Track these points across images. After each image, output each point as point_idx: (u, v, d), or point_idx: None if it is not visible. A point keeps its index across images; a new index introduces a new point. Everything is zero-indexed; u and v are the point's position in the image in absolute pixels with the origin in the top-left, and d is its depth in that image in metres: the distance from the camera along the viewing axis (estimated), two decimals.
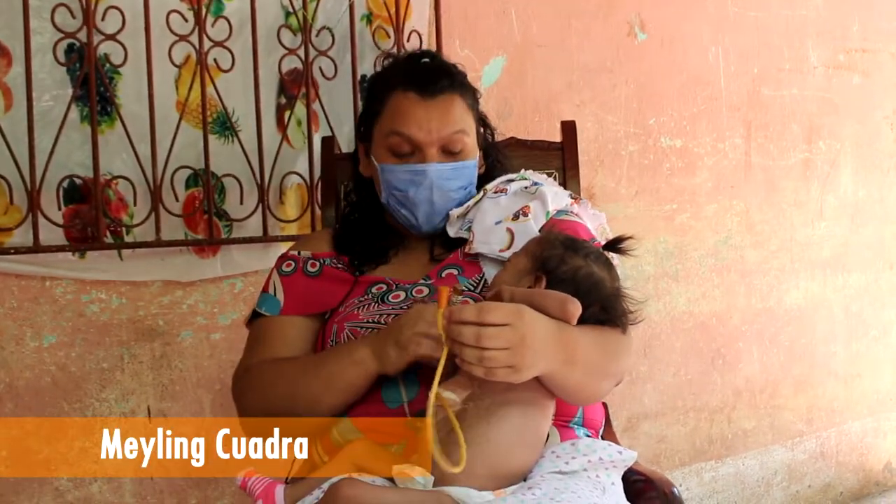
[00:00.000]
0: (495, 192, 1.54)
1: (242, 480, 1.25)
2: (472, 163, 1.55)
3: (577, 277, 1.28)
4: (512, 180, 1.58)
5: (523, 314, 1.16)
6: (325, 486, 1.20)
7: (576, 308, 1.21)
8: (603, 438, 1.50)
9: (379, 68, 1.88)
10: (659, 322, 2.98)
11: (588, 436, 1.42)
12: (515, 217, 1.48)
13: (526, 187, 1.55)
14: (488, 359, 1.13)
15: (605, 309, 1.30)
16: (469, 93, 1.57)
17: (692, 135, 3.03)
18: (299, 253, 1.59)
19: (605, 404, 1.60)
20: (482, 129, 1.62)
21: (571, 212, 1.54)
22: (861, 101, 3.44)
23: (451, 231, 1.53)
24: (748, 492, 3.20)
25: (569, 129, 1.91)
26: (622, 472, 1.33)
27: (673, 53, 2.98)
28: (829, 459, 3.43)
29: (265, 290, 1.57)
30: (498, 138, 1.70)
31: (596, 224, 1.59)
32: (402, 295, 1.46)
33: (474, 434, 1.18)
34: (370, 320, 1.43)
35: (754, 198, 3.18)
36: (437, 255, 1.55)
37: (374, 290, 1.49)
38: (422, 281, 1.48)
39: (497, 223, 1.48)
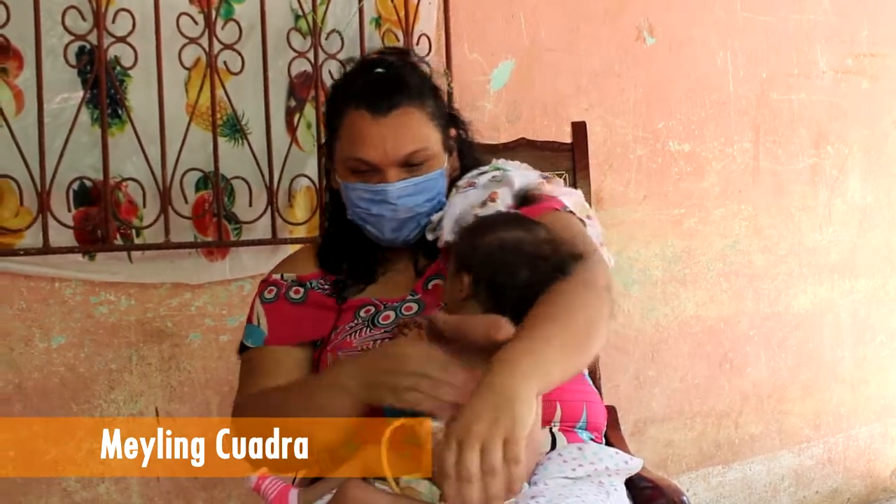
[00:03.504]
0: (466, 187, 1.48)
1: (256, 482, 1.24)
2: (437, 174, 1.47)
3: (491, 253, 1.22)
4: (483, 173, 1.51)
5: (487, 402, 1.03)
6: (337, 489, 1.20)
7: (499, 329, 1.11)
8: (609, 443, 1.49)
9: (337, 76, 1.69)
10: (667, 326, 2.97)
11: (592, 439, 1.41)
12: (483, 204, 1.42)
13: (495, 177, 1.48)
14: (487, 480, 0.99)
15: (532, 266, 1.20)
16: (429, 100, 1.47)
17: (700, 139, 3.03)
18: (282, 276, 1.53)
19: (610, 408, 1.59)
20: (455, 130, 1.55)
21: (540, 189, 1.47)
22: (869, 105, 3.44)
23: (430, 235, 1.48)
24: (755, 497, 3.20)
25: (579, 129, 1.89)
26: (625, 478, 1.33)
27: (681, 58, 2.97)
28: (836, 465, 3.42)
29: (249, 320, 1.51)
30: (506, 140, 1.68)
31: (572, 200, 1.48)
32: (392, 315, 1.43)
33: None
34: (364, 347, 1.39)
35: (762, 202, 3.18)
36: (420, 268, 1.50)
37: (362, 313, 1.44)
38: (409, 297, 1.44)
39: (464, 212, 1.43)
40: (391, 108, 1.41)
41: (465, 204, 1.44)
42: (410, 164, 1.43)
